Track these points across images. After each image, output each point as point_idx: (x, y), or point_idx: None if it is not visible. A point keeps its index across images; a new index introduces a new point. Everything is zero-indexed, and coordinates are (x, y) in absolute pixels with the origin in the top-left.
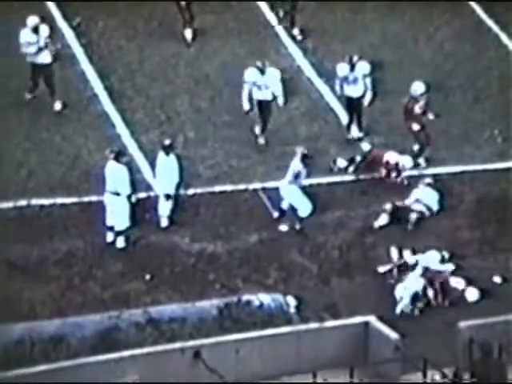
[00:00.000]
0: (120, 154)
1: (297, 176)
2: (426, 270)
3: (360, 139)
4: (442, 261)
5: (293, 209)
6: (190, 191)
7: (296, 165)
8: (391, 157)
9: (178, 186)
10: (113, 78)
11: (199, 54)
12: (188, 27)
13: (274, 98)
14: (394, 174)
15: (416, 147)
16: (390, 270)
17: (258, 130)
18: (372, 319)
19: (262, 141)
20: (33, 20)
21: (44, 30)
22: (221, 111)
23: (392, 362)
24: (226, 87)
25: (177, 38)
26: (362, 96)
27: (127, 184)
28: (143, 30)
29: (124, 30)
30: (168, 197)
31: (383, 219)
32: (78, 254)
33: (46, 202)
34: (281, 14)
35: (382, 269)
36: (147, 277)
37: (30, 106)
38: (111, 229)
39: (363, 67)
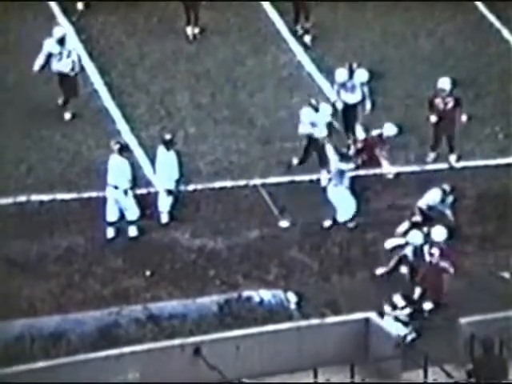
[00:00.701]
0: (124, 149)
1: (341, 175)
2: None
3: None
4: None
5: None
6: (191, 187)
7: (337, 164)
8: (375, 132)
9: (178, 182)
10: (113, 73)
11: (200, 50)
12: (190, 26)
13: (329, 133)
14: (380, 146)
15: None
16: (388, 273)
17: (295, 160)
18: (373, 315)
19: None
20: (59, 31)
21: (71, 41)
22: (221, 107)
23: (393, 359)
24: (226, 83)
25: (177, 34)
26: (359, 103)
27: (128, 179)
28: (143, 26)
29: (124, 26)
30: (169, 192)
31: (404, 226)
32: (78, 251)
33: (45, 197)
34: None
35: (379, 271)
36: (147, 273)
37: (29, 103)
38: (111, 224)
39: (361, 75)
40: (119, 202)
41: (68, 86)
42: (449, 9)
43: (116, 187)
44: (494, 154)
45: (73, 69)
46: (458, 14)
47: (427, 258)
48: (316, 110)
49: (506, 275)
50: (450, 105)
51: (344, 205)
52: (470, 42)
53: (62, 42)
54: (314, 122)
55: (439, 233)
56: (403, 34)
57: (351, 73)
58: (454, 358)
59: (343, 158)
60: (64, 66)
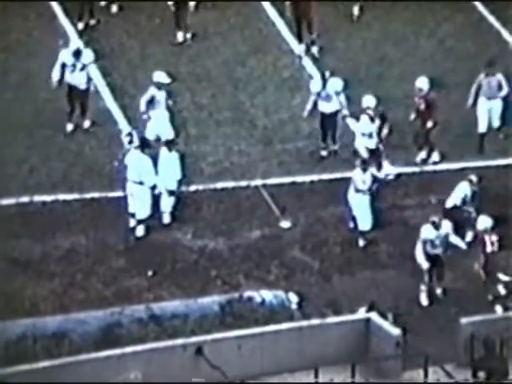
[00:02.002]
0: (145, 145)
1: (363, 184)
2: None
3: (336, 152)
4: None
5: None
6: (192, 188)
7: (357, 174)
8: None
9: (179, 182)
10: (115, 74)
11: (201, 51)
12: (180, 30)
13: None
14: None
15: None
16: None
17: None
18: (373, 315)
19: None
20: (76, 44)
21: (87, 55)
22: (222, 108)
23: (393, 359)
24: (227, 84)
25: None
26: (336, 113)
27: (152, 174)
28: (145, 27)
29: (126, 27)
30: (171, 193)
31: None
32: (81, 251)
33: (48, 198)
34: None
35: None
36: (149, 273)
37: (32, 102)
38: (133, 216)
39: (335, 84)
40: (133, 198)
41: (76, 99)
42: (449, 8)
43: (139, 183)
44: (494, 154)
45: (86, 83)
46: (457, 13)
47: (489, 248)
48: (372, 120)
49: (505, 278)
50: (423, 106)
51: (363, 214)
52: (470, 42)
53: (77, 54)
54: (371, 133)
55: (486, 220)
56: (403, 34)
57: (324, 82)
58: (454, 357)
59: (365, 167)
60: (75, 79)
